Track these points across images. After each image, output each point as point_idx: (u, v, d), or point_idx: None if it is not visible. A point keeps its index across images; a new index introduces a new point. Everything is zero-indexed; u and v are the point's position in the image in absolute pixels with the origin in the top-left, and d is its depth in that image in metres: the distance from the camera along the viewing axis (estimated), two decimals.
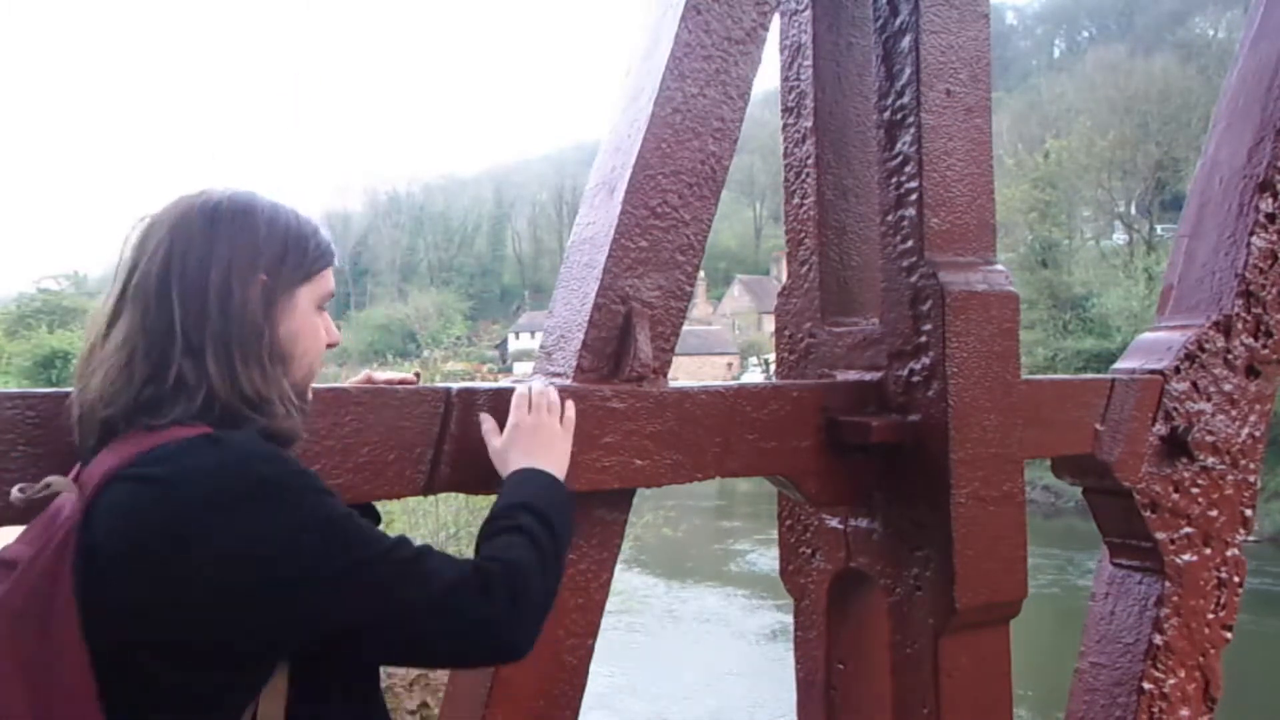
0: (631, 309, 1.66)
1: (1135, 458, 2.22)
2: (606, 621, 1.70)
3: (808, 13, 2.10)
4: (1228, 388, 2.36)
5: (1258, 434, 2.41)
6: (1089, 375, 2.68)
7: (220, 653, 1.01)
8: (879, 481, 1.94)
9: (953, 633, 1.87)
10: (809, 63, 2.10)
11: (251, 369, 1.09)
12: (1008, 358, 1.92)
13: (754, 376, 43.23)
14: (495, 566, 1.16)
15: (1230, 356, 2.36)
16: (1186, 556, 2.31)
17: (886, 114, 1.96)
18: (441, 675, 5.97)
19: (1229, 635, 2.39)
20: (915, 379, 1.89)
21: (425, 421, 1.47)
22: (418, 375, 1.56)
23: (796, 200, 2.14)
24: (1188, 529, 2.30)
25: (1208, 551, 2.34)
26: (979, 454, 1.86)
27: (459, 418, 1.49)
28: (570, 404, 1.51)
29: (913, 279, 1.90)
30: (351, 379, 1.53)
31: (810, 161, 2.10)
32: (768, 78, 2.12)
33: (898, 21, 1.93)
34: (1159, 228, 32.99)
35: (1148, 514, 2.25)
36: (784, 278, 2.20)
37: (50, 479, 1.06)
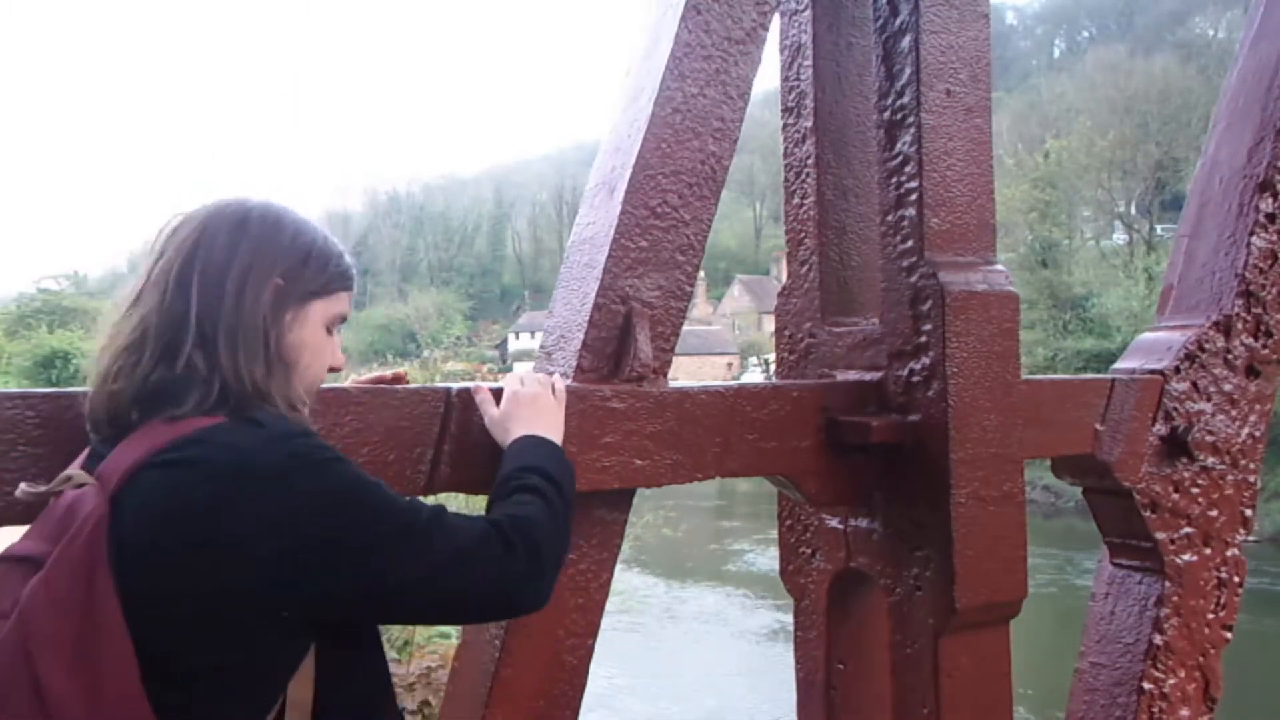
0: (631, 309, 1.66)
1: (1135, 458, 2.22)
2: (606, 621, 1.70)
3: (808, 13, 2.10)
4: (1228, 388, 2.36)
5: (1258, 434, 2.41)
6: (1089, 375, 2.68)
7: (258, 627, 1.04)
8: (879, 481, 1.94)
9: (953, 633, 1.87)
10: (809, 63, 2.10)
11: (255, 365, 1.12)
12: (1008, 358, 1.92)
13: (754, 376, 43.24)
14: (513, 523, 1.19)
15: (1230, 356, 2.36)
16: (1186, 556, 2.31)
17: (886, 114, 1.96)
18: (442, 675, 5.97)
19: (1229, 635, 2.40)
20: (915, 379, 1.89)
21: (425, 421, 1.47)
22: (403, 374, 1.56)
23: (796, 200, 2.14)
24: (1188, 529, 2.31)
25: (1208, 551, 2.34)
26: (979, 454, 1.86)
27: (459, 418, 1.50)
28: (560, 379, 1.54)
29: (913, 279, 1.90)
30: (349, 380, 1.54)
31: (810, 161, 2.10)
32: (768, 78, 2.13)
33: (898, 21, 1.93)
34: (1159, 228, 32.98)
35: (1148, 514, 2.25)
36: (784, 278, 2.20)
37: (71, 472, 1.08)
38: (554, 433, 1.44)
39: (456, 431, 1.49)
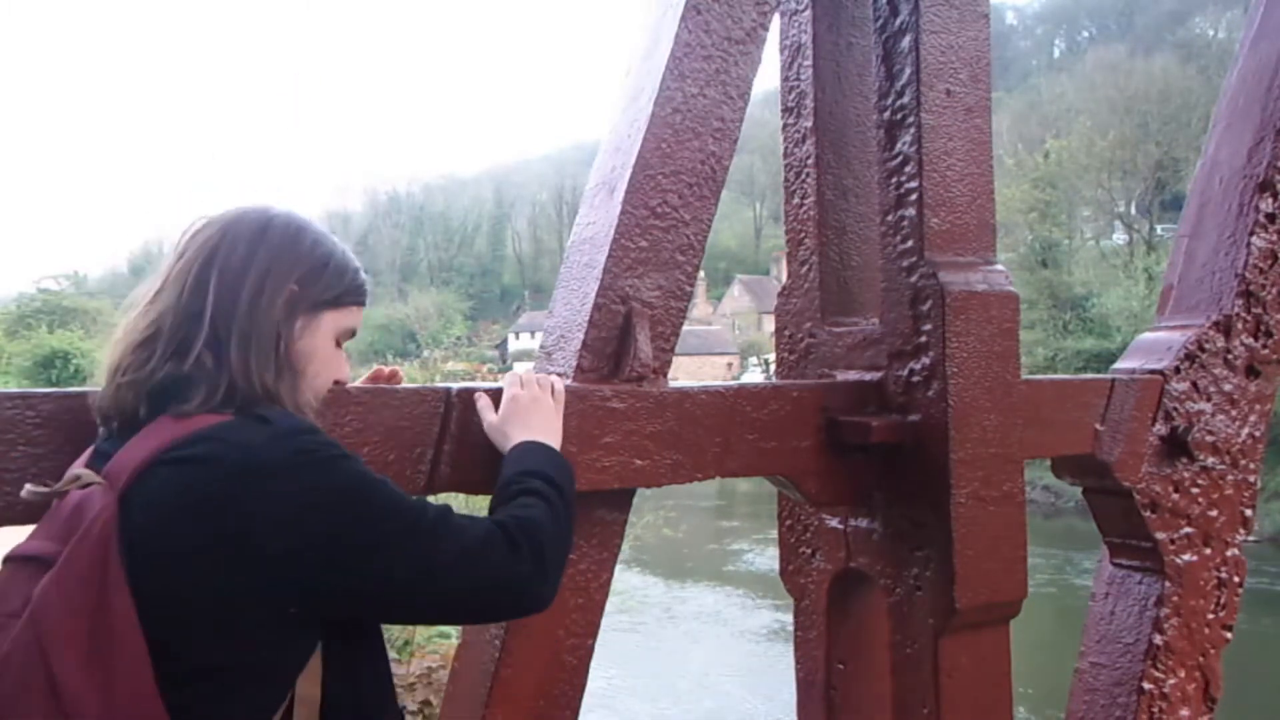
0: (631, 309, 1.66)
1: (1135, 458, 2.22)
2: (606, 621, 1.70)
3: (808, 13, 2.10)
4: (1228, 388, 2.36)
5: (1258, 434, 2.41)
6: (1089, 375, 2.68)
7: (266, 624, 1.05)
8: (879, 481, 1.94)
9: (953, 633, 1.87)
10: (809, 63, 2.10)
11: (264, 367, 1.14)
12: (1008, 358, 1.92)
13: (754, 376, 43.24)
14: (517, 524, 1.20)
15: (1230, 356, 2.36)
16: (1186, 556, 2.31)
17: (886, 114, 1.96)
18: (443, 675, 5.97)
19: (1229, 635, 2.39)
20: (915, 379, 1.89)
21: (425, 421, 1.47)
22: (399, 371, 1.57)
23: (796, 200, 2.14)
24: (1188, 529, 2.31)
25: (1208, 551, 2.34)
26: (979, 454, 1.86)
27: (459, 418, 1.50)
28: (559, 380, 1.54)
29: (913, 279, 1.90)
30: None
31: (810, 161, 2.10)
32: (768, 78, 2.13)
33: (898, 21, 1.93)
34: (1159, 228, 32.97)
35: (1148, 514, 2.25)
36: (784, 278, 2.20)
37: (79, 471, 1.09)
38: (553, 436, 1.44)
39: (456, 431, 1.49)
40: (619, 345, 1.66)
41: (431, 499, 1.36)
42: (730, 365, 52.67)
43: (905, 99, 1.91)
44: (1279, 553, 18.25)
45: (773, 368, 2.40)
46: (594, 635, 1.66)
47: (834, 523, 2.07)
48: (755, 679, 12.66)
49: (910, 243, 1.91)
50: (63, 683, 0.96)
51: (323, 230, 1.25)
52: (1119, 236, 35.17)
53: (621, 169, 1.69)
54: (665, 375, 1.71)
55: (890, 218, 1.96)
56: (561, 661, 1.62)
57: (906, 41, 1.90)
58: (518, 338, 62.26)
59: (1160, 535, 2.27)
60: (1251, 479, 2.41)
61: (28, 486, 1.08)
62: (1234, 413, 2.37)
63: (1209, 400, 2.32)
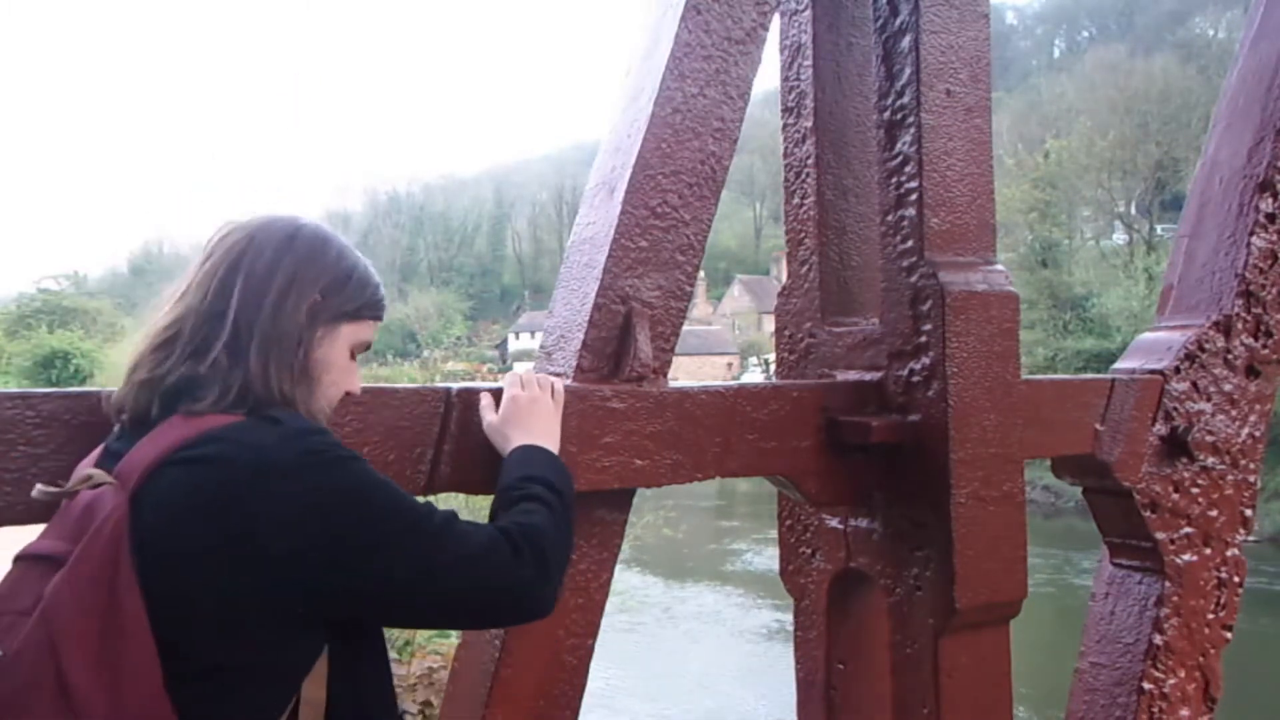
0: (631, 309, 1.66)
1: (1135, 458, 2.22)
2: (606, 621, 1.70)
3: (808, 13, 2.10)
4: (1228, 388, 2.36)
5: (1258, 434, 2.41)
6: (1089, 375, 2.68)
7: (273, 625, 1.05)
8: (879, 481, 1.94)
9: (953, 633, 1.87)
10: (809, 63, 2.10)
11: (283, 372, 1.15)
12: (1008, 358, 1.92)
13: (754, 376, 43.23)
14: (520, 530, 1.21)
15: (1230, 356, 2.36)
16: (1186, 556, 2.31)
17: (886, 114, 1.96)
18: (444, 675, 5.97)
19: (1229, 635, 2.40)
20: (915, 379, 1.89)
21: (425, 421, 1.47)
22: None
23: (796, 200, 2.14)
24: (1188, 529, 2.31)
25: (1208, 551, 2.34)
26: (979, 454, 1.86)
27: (459, 418, 1.50)
28: (559, 381, 1.54)
29: (913, 279, 1.90)
30: None
31: (810, 161, 2.10)
32: (768, 78, 2.13)
33: (898, 21, 1.93)
34: (1159, 228, 32.96)
35: (1148, 514, 2.25)
36: (784, 278, 2.20)
37: (90, 471, 1.09)
38: (552, 439, 1.45)
39: (456, 431, 1.49)
40: (619, 345, 1.66)
41: (431, 499, 1.37)
42: (730, 365, 52.67)
43: (905, 99, 1.91)
44: (1279, 553, 18.25)
45: (773, 368, 2.40)
46: (594, 635, 1.66)
47: (834, 523, 2.07)
48: (755, 679, 12.66)
49: (910, 243, 1.91)
50: (72, 682, 0.96)
51: (347, 243, 1.27)
52: (1119, 236, 35.16)
53: (621, 169, 1.69)
54: (665, 375, 1.71)
55: (890, 218, 1.96)
56: (561, 661, 1.62)
57: (906, 41, 1.90)
58: (518, 338, 62.26)
59: (1160, 535, 2.27)
60: (1251, 479, 2.41)
61: (39, 486, 1.09)
62: (1234, 413, 2.37)
63: (1209, 400, 2.32)
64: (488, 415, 1.48)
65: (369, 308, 1.27)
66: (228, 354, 1.13)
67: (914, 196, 1.91)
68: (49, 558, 1.03)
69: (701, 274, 13.28)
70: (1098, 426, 2.16)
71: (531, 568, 1.18)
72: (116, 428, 1.17)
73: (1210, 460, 2.32)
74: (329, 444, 1.11)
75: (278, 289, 1.16)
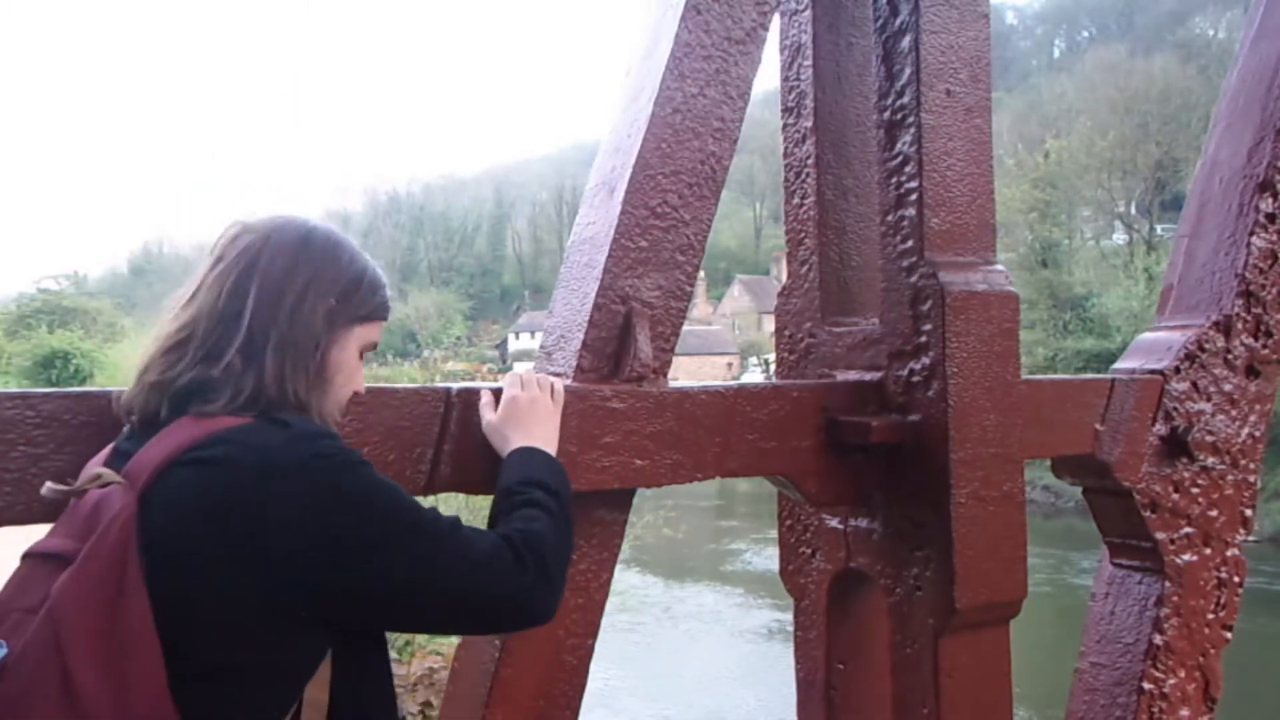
0: (631, 309, 1.66)
1: (1135, 458, 2.22)
2: (605, 620, 1.70)
3: (808, 13, 2.10)
4: (1228, 388, 2.36)
5: (1258, 434, 2.41)
6: (1089, 375, 2.68)
7: (276, 627, 1.05)
8: (879, 481, 1.94)
9: (953, 633, 1.87)
10: (809, 63, 2.10)
11: (299, 375, 1.16)
12: (1008, 358, 1.92)
13: (754, 376, 43.23)
14: (523, 537, 1.22)
15: (1230, 356, 2.36)
16: (1186, 556, 2.31)
17: (886, 114, 1.96)
18: (444, 676, 5.97)
19: (1229, 635, 2.40)
20: (915, 379, 1.89)
21: (425, 421, 1.47)
22: None
23: (796, 200, 2.14)
24: (1188, 529, 2.30)
25: (1208, 551, 2.34)
26: (979, 454, 1.86)
27: (459, 418, 1.50)
28: (559, 381, 1.54)
29: (913, 279, 1.90)
30: None
31: (810, 161, 2.10)
32: (768, 78, 2.13)
33: (898, 21, 1.93)
34: (1159, 228, 32.96)
35: (1148, 514, 2.25)
36: (784, 278, 2.20)
37: (99, 470, 1.09)
38: (550, 441, 1.45)
39: (456, 431, 1.49)
40: (619, 345, 1.66)
41: (431, 499, 1.37)
42: (730, 365, 52.67)
43: (905, 99, 1.91)
44: (1279, 553, 18.25)
45: (773, 368, 2.40)
46: (594, 635, 1.66)
47: (834, 523, 2.07)
48: (755, 678, 12.66)
49: (910, 243, 1.91)
50: (78, 681, 0.96)
51: (356, 246, 1.28)
52: (1119, 236, 35.17)
53: (621, 169, 1.69)
54: (665, 375, 1.71)
55: (890, 218, 1.96)
56: (561, 661, 1.62)
57: (906, 41, 1.90)
58: (518, 338, 62.26)
59: (1160, 535, 2.27)
60: (1251, 479, 2.41)
61: (48, 484, 1.09)
62: (1234, 413, 2.37)
63: (1209, 400, 2.32)
64: (487, 414, 1.48)
65: (378, 310, 1.28)
66: (242, 357, 1.12)
67: (914, 196, 1.91)
68: (57, 556, 1.04)
69: (701, 274, 13.28)
70: (1098, 426, 2.16)
71: (534, 575, 1.19)
72: (126, 428, 1.17)
73: (1210, 460, 2.32)
74: (337, 448, 1.11)
75: (295, 293, 1.16)
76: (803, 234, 2.13)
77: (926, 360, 1.87)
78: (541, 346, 1.75)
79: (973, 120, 1.96)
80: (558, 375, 1.64)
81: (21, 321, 30.26)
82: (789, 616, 2.27)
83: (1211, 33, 57.92)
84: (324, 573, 1.06)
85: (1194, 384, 2.30)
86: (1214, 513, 2.34)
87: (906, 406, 1.90)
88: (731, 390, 1.77)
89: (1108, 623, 2.36)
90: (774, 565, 2.32)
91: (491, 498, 1.38)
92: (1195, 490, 2.31)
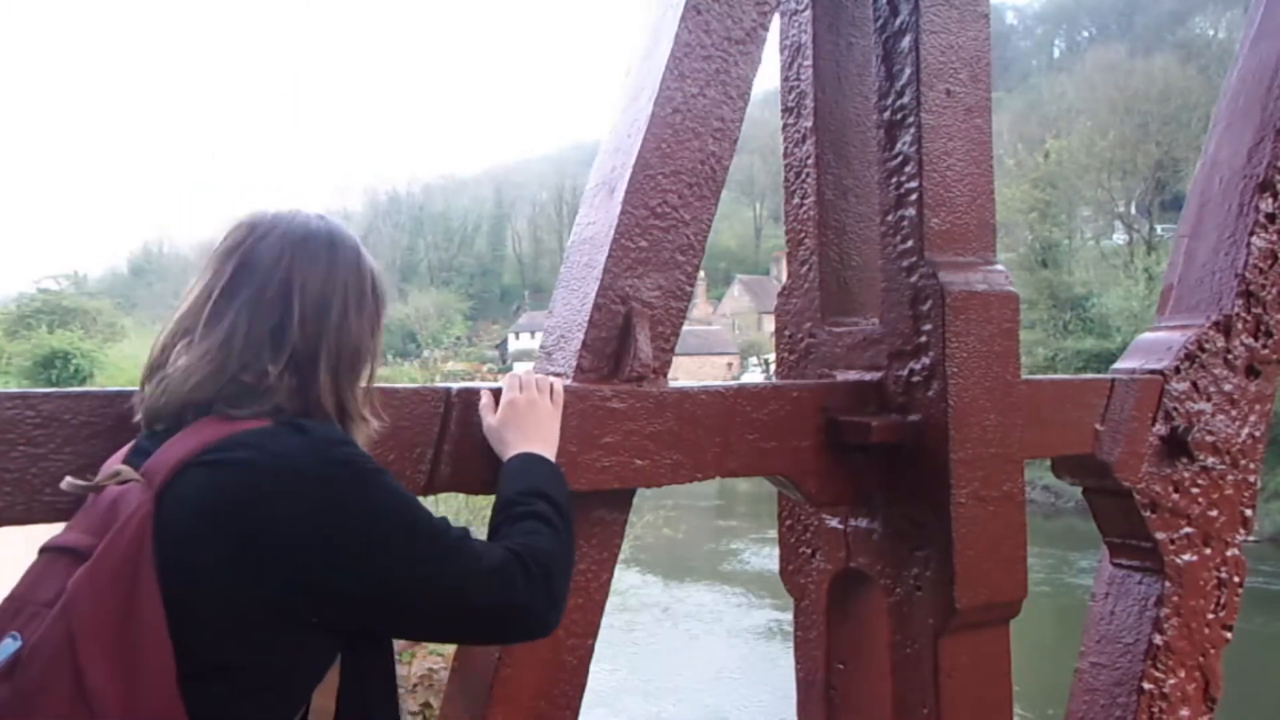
0: (631, 309, 1.66)
1: (1135, 458, 2.22)
2: (606, 620, 1.70)
3: (808, 13, 2.10)
4: (1228, 388, 2.36)
5: (1258, 434, 2.41)
6: (1089, 375, 2.68)
7: (283, 630, 1.05)
8: (879, 481, 1.94)
9: (953, 633, 1.87)
10: (809, 63, 2.10)
11: (355, 384, 1.20)
12: (1008, 358, 1.92)
13: (754, 376, 43.23)
14: (530, 552, 1.22)
15: (1230, 356, 2.36)
16: (1186, 556, 2.31)
17: (886, 114, 1.96)
18: (444, 676, 5.97)
19: (1229, 635, 2.39)
20: (915, 379, 1.89)
21: (425, 421, 1.47)
22: None
23: (796, 200, 2.14)
24: (1188, 529, 2.31)
25: (1208, 551, 2.34)
26: (979, 454, 1.86)
27: (459, 418, 1.50)
28: (558, 382, 1.54)
29: (913, 279, 1.90)
30: None
31: (810, 161, 2.10)
32: (768, 78, 2.13)
33: (898, 21, 1.93)
34: (1159, 228, 32.98)
35: (1148, 514, 2.25)
36: (784, 278, 2.20)
37: (118, 467, 1.10)
38: (549, 444, 1.45)
39: (456, 431, 1.49)
40: (619, 345, 1.66)
41: (432, 499, 1.37)
42: (730, 365, 52.67)
43: (905, 99, 1.91)
44: (1279, 553, 18.25)
45: (773, 368, 2.40)
46: (594, 635, 1.66)
47: (834, 523, 2.07)
48: (754, 678, 12.66)
49: (910, 243, 1.91)
50: (89, 676, 0.97)
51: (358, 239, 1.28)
52: (1119, 236, 35.17)
53: (621, 169, 1.69)
54: (665, 375, 1.71)
55: (890, 218, 1.96)
56: (561, 661, 1.62)
57: (906, 41, 1.90)
58: (518, 338, 62.27)
59: (1160, 535, 2.27)
60: (1251, 479, 2.41)
61: (68, 479, 1.10)
62: (1234, 413, 2.37)
63: (1209, 400, 2.32)
64: (486, 416, 1.48)
65: (386, 307, 1.29)
66: (284, 367, 1.13)
67: (914, 196, 1.91)
68: (74, 550, 1.04)
69: (701, 274, 13.28)
70: (1098, 426, 2.16)
71: (541, 589, 1.19)
72: (144, 432, 1.16)
73: (1210, 460, 2.32)
74: (356, 455, 1.12)
75: (339, 308, 1.18)
76: (803, 234, 2.13)
77: (926, 360, 1.87)
78: (541, 346, 1.75)
79: (973, 120, 1.96)
80: (558, 375, 1.64)
81: (21, 321, 30.26)
82: (789, 616, 2.27)
83: (1211, 33, 57.93)
84: (335, 578, 1.06)
85: (1194, 384, 2.30)
86: (1214, 513, 2.34)
87: (906, 406, 1.90)
88: (731, 390, 1.77)
89: (1108, 623, 2.36)
90: (774, 565, 2.32)
91: (491, 498, 1.38)
92: (1195, 490, 2.31)
